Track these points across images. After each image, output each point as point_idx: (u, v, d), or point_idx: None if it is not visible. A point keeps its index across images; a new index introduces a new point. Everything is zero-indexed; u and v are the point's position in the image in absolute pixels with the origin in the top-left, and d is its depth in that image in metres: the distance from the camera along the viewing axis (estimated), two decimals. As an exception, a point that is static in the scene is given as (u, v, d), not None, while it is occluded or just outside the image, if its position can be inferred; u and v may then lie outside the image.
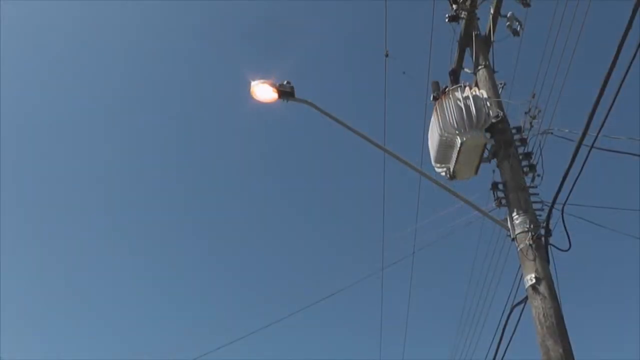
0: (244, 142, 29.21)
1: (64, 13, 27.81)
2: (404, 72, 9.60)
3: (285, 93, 8.02)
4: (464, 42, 8.63)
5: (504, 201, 7.07)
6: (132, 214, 30.83)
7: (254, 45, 27.49)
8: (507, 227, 6.87)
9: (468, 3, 8.62)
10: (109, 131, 29.56)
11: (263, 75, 8.10)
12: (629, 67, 4.79)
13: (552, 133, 7.27)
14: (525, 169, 7.20)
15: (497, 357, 7.60)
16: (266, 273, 29.88)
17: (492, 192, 7.22)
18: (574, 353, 5.88)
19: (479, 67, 8.20)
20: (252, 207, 30.62)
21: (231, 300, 29.51)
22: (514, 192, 6.95)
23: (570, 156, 5.91)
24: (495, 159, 7.45)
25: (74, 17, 27.55)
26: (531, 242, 6.48)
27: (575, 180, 6.11)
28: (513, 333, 7.20)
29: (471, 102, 7.41)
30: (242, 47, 27.14)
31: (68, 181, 30.30)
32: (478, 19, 8.66)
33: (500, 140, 7.37)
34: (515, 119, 7.49)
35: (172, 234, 31.38)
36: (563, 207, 6.50)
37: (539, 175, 7.16)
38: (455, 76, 8.70)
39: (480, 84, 8.03)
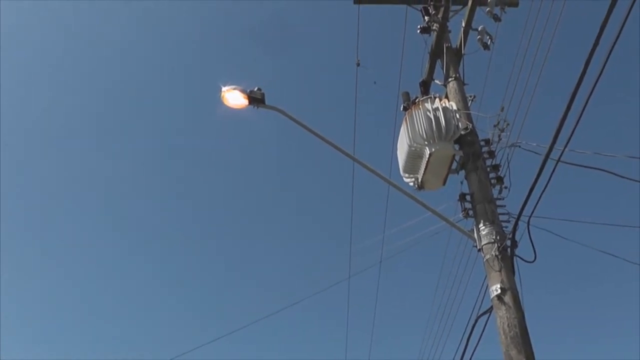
0: (217, 146, 29.16)
1: (65, 12, 27.48)
2: (374, 82, 9.67)
3: (256, 99, 7.98)
4: (435, 53, 8.71)
5: (471, 212, 7.12)
6: (123, 216, 30.60)
7: (228, 52, 27.49)
8: (474, 237, 6.92)
9: (440, 15, 8.71)
10: (107, 130, 29.38)
11: (234, 82, 8.07)
12: (596, 82, 4.87)
13: (519, 146, 7.35)
14: (492, 181, 7.27)
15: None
16: (240, 277, 29.93)
17: (459, 203, 7.27)
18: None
19: (450, 79, 8.28)
20: (228, 213, 30.58)
21: (208, 302, 29.52)
22: (481, 204, 7.01)
23: (537, 169, 5.98)
24: (463, 171, 7.51)
25: (74, 16, 27.31)
26: (497, 253, 6.54)
27: (542, 193, 6.17)
28: (477, 343, 7.24)
29: (441, 114, 7.46)
30: (220, 51, 27.16)
31: (65, 180, 29.98)
32: (449, 31, 8.75)
33: (469, 152, 7.44)
34: (484, 132, 7.57)
35: (149, 236, 31.19)
36: (529, 219, 6.56)
37: (506, 188, 7.23)
38: (425, 87, 8.78)
39: (450, 96, 8.10)
